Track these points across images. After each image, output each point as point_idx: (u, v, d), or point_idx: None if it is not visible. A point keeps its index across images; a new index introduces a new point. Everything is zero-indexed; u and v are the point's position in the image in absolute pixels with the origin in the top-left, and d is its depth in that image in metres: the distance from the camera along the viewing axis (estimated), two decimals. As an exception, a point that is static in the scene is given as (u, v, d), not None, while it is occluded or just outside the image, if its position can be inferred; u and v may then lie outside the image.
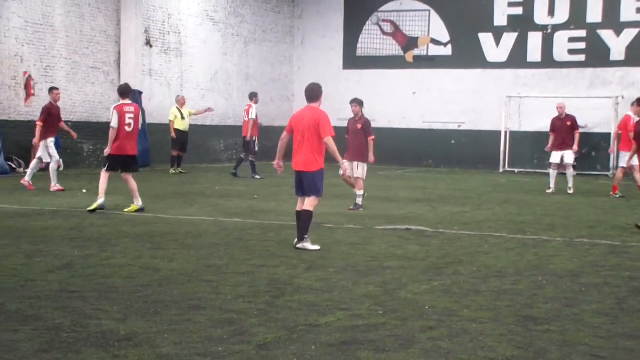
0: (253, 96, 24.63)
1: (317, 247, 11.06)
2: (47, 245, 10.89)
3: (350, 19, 34.15)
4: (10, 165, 22.96)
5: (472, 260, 10.46)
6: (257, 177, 23.85)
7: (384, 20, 33.66)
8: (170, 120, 25.86)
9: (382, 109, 31.72)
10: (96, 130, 26.49)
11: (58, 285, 8.39)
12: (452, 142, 32.27)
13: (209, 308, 7.53)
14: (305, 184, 11.23)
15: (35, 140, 18.94)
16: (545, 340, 6.70)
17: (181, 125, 25.79)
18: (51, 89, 19.49)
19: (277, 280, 8.90)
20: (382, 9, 33.57)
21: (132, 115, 14.97)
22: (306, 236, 11.12)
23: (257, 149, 24.46)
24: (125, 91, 15.27)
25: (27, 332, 6.58)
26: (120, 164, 15.20)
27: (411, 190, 21.20)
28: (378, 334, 6.78)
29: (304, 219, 11.13)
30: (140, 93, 26.96)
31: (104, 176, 15.12)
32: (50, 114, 18.86)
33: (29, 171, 19.29)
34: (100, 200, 14.85)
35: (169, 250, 10.75)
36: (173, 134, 25.53)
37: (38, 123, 18.88)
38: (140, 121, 15.14)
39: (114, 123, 14.91)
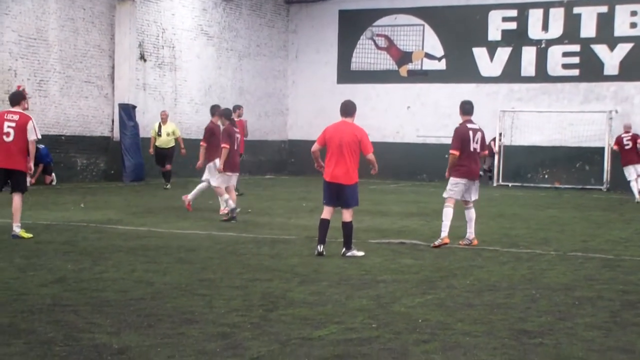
0: (237, 109, 22.27)
1: (362, 253, 11.76)
2: (40, 259, 10.86)
3: (344, 34, 34.24)
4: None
5: (466, 274, 10.46)
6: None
7: (378, 35, 33.75)
8: (152, 136, 25.11)
9: (376, 123, 31.74)
10: (90, 145, 26.51)
11: (51, 299, 8.36)
12: (446, 156, 32.18)
13: (202, 322, 7.51)
14: (347, 196, 11.74)
15: (199, 163, 17.28)
16: (539, 354, 6.69)
17: (158, 141, 24.85)
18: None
19: (270, 293, 8.89)
20: (376, 23, 33.67)
21: (12, 124, 13.01)
22: (352, 245, 11.81)
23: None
24: (12, 99, 13.56)
25: (20, 346, 6.55)
26: (3, 178, 13.35)
27: (405, 204, 21.21)
28: (371, 347, 6.77)
29: (348, 230, 11.73)
30: (133, 107, 26.99)
31: None
32: (213, 134, 17.04)
33: (194, 191, 17.63)
34: None
35: (162, 264, 10.73)
36: (151, 150, 24.85)
37: (202, 144, 17.28)
38: (33, 133, 13.09)
39: None
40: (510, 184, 30.15)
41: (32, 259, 10.84)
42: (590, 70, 30.36)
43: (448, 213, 13.07)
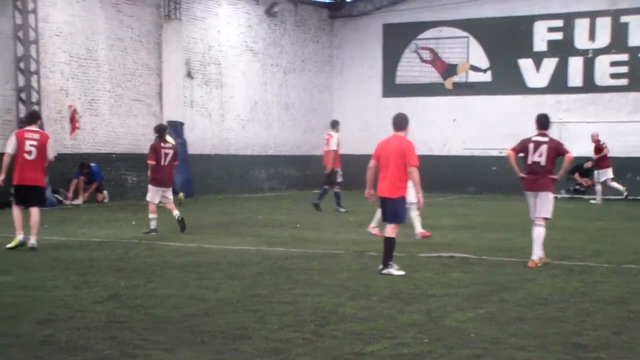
0: (334, 125, 23.19)
1: (402, 273, 11.32)
2: (94, 276, 11.03)
3: (388, 47, 34.26)
4: (56, 198, 23.29)
5: (517, 287, 10.40)
6: (342, 209, 22.36)
7: (422, 48, 33.72)
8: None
9: (422, 137, 31.59)
10: (140, 162, 26.74)
11: (106, 315, 8.49)
12: (494, 168, 32.06)
13: (255, 337, 7.57)
14: (390, 209, 11.56)
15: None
16: (594, 368, 6.64)
17: None
18: None
19: (321, 309, 8.92)
20: (420, 36, 33.63)
21: (34, 143, 13.70)
22: (390, 262, 11.43)
23: (340, 180, 22.65)
24: (30, 117, 14.50)
25: (78, 363, 6.67)
26: (22, 195, 13.89)
27: (453, 217, 21.11)
28: (425, 362, 6.76)
29: (387, 245, 11.46)
30: (181, 124, 27.27)
31: (14, 210, 14.00)
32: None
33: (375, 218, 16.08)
34: (19, 236, 13.83)
35: (214, 280, 10.82)
36: None
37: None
38: (52, 152, 13.95)
39: (10, 149, 13.73)
40: (558, 196, 29.81)
41: (86, 276, 11.01)
42: (638, 79, 29.99)
43: (537, 233, 12.48)
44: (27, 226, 13.89)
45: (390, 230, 11.54)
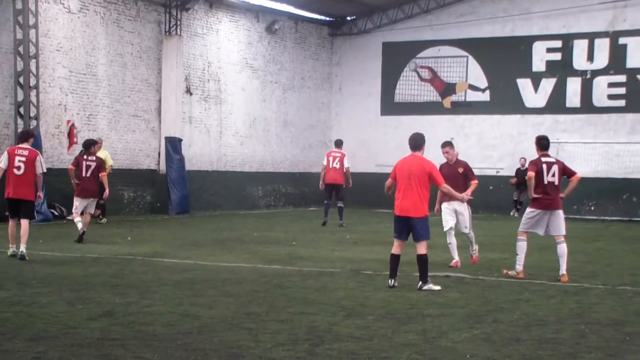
0: (341, 143, 24.36)
1: (438, 288, 11.70)
2: (89, 292, 10.99)
3: (388, 66, 34.34)
4: (52, 212, 23.25)
5: (513, 308, 10.37)
6: (326, 218, 23.71)
7: (421, 67, 33.81)
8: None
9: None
10: (137, 177, 26.81)
11: (100, 332, 8.46)
12: (490, 187, 32.07)
13: (248, 356, 7.54)
14: (416, 229, 11.81)
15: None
16: (589, 391, 6.61)
17: None
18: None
19: (316, 327, 8.89)
20: (420, 55, 33.73)
21: (22, 159, 14.63)
22: (428, 278, 11.76)
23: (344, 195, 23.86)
24: (22, 135, 15.51)
25: (69, 380, 6.63)
26: (12, 208, 14.86)
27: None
28: (418, 383, 6.73)
29: (422, 263, 11.79)
30: (180, 140, 27.29)
31: (9, 224, 14.94)
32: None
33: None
34: (10, 249, 14.74)
35: (208, 297, 10.79)
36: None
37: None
38: (40, 167, 14.77)
39: (2, 164, 14.78)
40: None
41: (80, 292, 10.98)
42: (637, 100, 30.07)
43: (521, 246, 13.36)
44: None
45: (422, 247, 11.82)
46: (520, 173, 29.31)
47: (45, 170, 15.25)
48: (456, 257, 14.82)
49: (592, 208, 30.32)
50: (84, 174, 17.88)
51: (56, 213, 23.48)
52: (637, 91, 30.09)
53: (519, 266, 13.32)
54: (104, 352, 7.59)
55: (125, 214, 25.86)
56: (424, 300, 10.84)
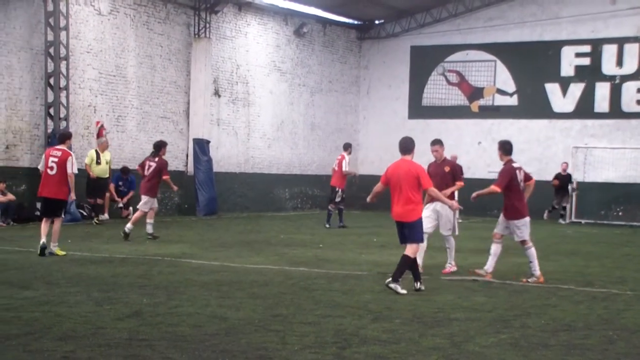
0: (347, 147, 24.56)
1: (404, 292, 11.46)
2: (117, 293, 11.07)
3: (415, 69, 34.30)
4: (81, 213, 23.43)
5: (540, 313, 10.33)
6: (327, 225, 23.80)
7: (449, 71, 33.73)
8: (86, 164, 22.93)
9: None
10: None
11: (127, 333, 8.51)
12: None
13: (275, 358, 7.57)
14: (407, 233, 11.78)
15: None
16: (617, 398, 6.57)
17: (97, 170, 23.11)
18: None
19: (343, 330, 8.90)
20: (448, 59, 33.66)
21: (55, 159, 15.19)
22: (399, 280, 11.60)
23: (338, 200, 23.92)
24: (59, 137, 16.00)
25: (99, 379, 6.68)
26: (44, 206, 15.63)
27: (477, 240, 21.00)
28: (445, 387, 6.72)
29: (402, 261, 11.71)
30: (207, 142, 27.40)
31: (42, 222, 15.44)
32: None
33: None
34: (41, 241, 15.09)
35: (235, 299, 10.83)
36: (92, 174, 23.03)
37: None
38: (71, 167, 15.14)
39: (40, 166, 15.60)
40: (583, 221, 29.63)
41: (109, 293, 11.06)
42: (666, 106, 29.84)
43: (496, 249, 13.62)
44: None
45: (410, 249, 11.72)
46: (561, 178, 29.27)
47: (76, 171, 15.56)
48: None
49: (620, 214, 30.08)
50: (145, 174, 18.86)
51: (84, 213, 23.63)
52: (667, 96, 29.85)
53: (490, 267, 13.49)
54: (131, 353, 7.65)
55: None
56: (451, 304, 10.81)
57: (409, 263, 11.74)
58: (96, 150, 23.50)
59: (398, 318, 9.73)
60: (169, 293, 11.15)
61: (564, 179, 29.45)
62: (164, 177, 18.93)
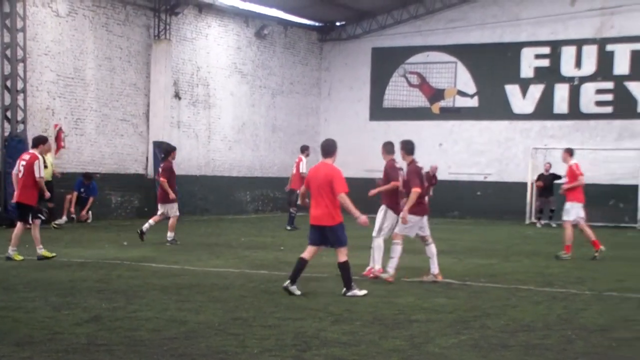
0: (304, 149, 24.57)
1: (364, 292, 11.53)
2: (75, 298, 10.94)
3: (377, 71, 34.39)
4: (39, 217, 23.05)
5: (500, 314, 10.38)
6: (288, 228, 23.88)
7: (410, 72, 33.86)
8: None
9: (408, 160, 31.70)
10: (124, 182, 26.73)
11: (86, 338, 8.41)
12: (478, 193, 32.20)
13: (235, 362, 7.52)
14: (330, 238, 11.60)
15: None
16: (575, 397, 6.61)
17: (46, 174, 21.31)
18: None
19: (303, 333, 8.87)
20: (409, 61, 33.80)
21: (23, 163, 15.16)
22: (353, 284, 11.55)
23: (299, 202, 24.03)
24: (33, 141, 15.96)
25: (55, 385, 6.59)
26: (17, 211, 15.65)
27: (437, 241, 20.99)
28: (405, 389, 6.72)
29: (344, 270, 11.57)
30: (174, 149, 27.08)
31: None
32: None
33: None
34: (8, 251, 15.15)
35: (195, 302, 10.76)
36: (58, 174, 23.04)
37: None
38: (38, 172, 15.00)
39: (14, 170, 15.60)
40: (542, 222, 29.87)
41: (67, 297, 10.92)
42: (624, 107, 30.22)
43: (398, 250, 13.35)
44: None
45: (341, 254, 11.59)
46: (544, 178, 28.77)
47: (42, 175, 15.28)
48: (371, 265, 13.98)
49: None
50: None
51: (43, 218, 23.29)
52: (624, 98, 30.22)
53: (391, 269, 13.25)
54: (90, 358, 7.56)
55: (112, 218, 25.78)
56: (411, 306, 10.83)
57: (348, 267, 11.59)
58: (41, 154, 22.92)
59: (358, 320, 9.73)
60: (128, 297, 11.05)
61: (547, 180, 29.01)
62: (160, 180, 19.03)
